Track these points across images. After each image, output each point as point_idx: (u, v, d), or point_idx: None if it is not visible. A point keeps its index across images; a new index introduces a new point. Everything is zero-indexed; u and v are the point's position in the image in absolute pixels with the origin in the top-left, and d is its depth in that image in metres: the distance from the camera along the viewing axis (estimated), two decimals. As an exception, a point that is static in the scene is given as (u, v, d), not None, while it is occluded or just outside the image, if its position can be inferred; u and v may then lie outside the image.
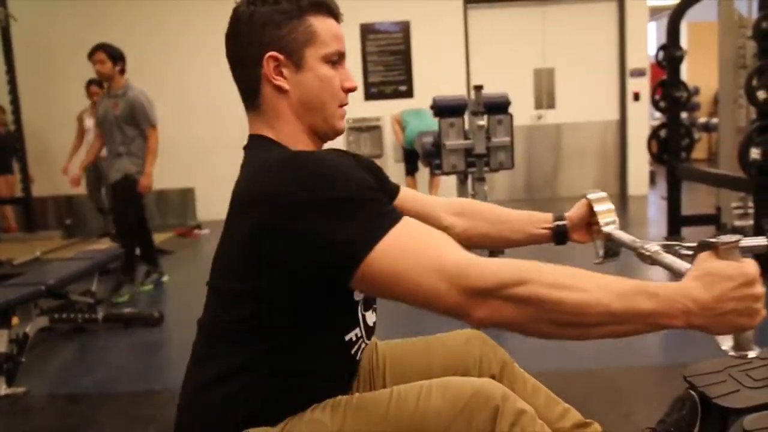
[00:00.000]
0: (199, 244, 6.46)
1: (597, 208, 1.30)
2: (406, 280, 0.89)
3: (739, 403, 1.19)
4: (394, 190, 1.38)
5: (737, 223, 5.06)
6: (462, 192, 4.51)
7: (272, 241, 0.94)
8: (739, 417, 1.18)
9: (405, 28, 7.51)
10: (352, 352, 1.12)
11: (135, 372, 3.10)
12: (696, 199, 6.26)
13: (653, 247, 1.07)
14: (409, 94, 7.54)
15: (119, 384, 2.91)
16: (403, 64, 7.53)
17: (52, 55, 7.32)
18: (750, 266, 0.85)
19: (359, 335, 1.12)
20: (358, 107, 7.51)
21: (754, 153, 3.64)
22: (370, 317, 1.17)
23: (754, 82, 3.65)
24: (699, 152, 9.69)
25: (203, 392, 1.07)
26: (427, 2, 7.43)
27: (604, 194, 1.32)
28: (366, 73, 7.54)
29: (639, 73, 7.66)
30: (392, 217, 0.92)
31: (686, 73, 8.99)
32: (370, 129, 7.53)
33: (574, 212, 1.35)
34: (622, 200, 7.65)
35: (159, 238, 6.17)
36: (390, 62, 7.53)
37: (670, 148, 5.08)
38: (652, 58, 5.89)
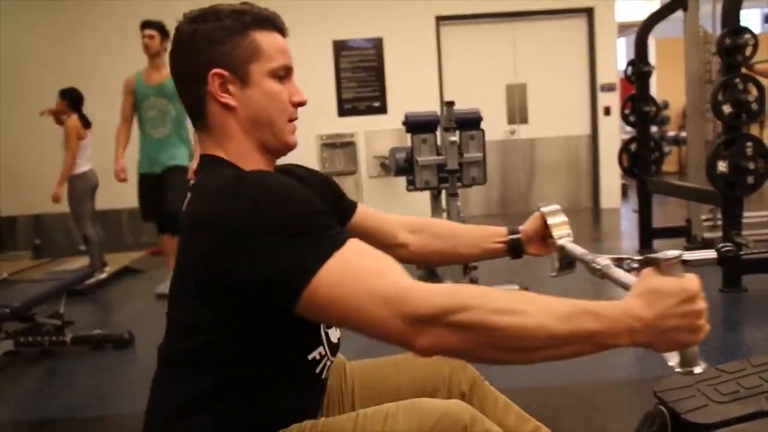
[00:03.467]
0: (172, 262, 6.37)
1: (550, 221, 1.29)
2: (347, 306, 0.86)
3: (707, 418, 1.19)
4: (351, 207, 1.36)
5: (707, 235, 5.13)
6: (436, 208, 4.52)
7: (216, 267, 0.93)
8: (707, 432, 1.18)
9: (378, 44, 7.54)
10: (317, 371, 1.10)
11: (104, 395, 3.03)
12: (667, 212, 6.35)
13: (604, 261, 1.06)
14: (382, 110, 7.56)
15: (87, 408, 2.84)
16: (377, 80, 7.56)
17: (22, 73, 7.22)
18: (691, 282, 0.85)
19: (323, 353, 1.10)
20: (331, 123, 7.51)
21: (721, 166, 3.70)
22: (334, 333, 1.15)
23: (720, 97, 3.71)
24: (670, 165, 9.86)
25: (165, 423, 1.04)
26: (400, 19, 7.47)
27: (557, 207, 1.31)
28: (339, 89, 7.54)
29: (609, 88, 7.77)
30: (336, 240, 0.90)
31: (655, 87, 9.16)
32: (344, 145, 7.52)
33: (528, 225, 1.35)
34: (594, 213, 7.73)
35: (132, 256, 6.10)
36: (363, 78, 7.55)
37: (641, 161, 5.15)
38: (621, 73, 5.98)
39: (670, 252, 0.88)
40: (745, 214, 3.95)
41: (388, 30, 7.52)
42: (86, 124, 5.24)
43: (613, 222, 7.30)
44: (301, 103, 1.13)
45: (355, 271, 0.88)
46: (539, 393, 2.55)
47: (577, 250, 1.20)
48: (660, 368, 2.75)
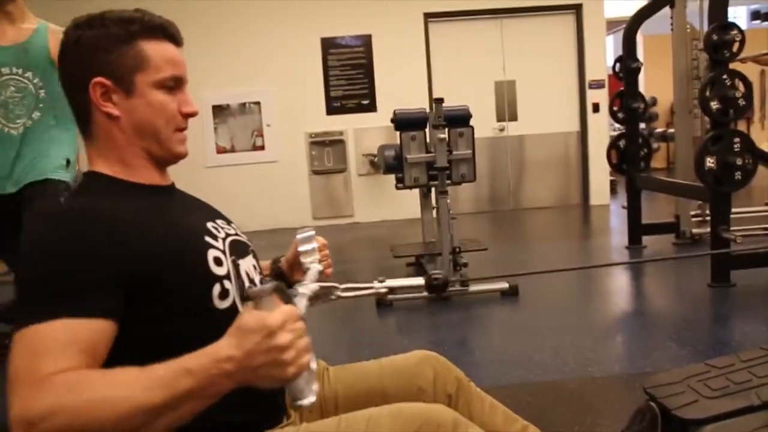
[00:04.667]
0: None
1: (300, 248, 1.28)
2: (9, 379, 0.85)
3: (698, 413, 1.19)
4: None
5: (696, 230, 5.16)
6: (425, 206, 4.51)
7: None
8: (698, 427, 1.18)
9: (366, 41, 7.52)
10: None
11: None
12: (656, 208, 6.37)
13: (302, 289, 1.08)
14: (371, 107, 7.54)
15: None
16: (365, 77, 7.54)
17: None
18: (272, 316, 0.82)
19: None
20: (320, 121, 7.49)
21: (709, 162, 3.71)
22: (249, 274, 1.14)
23: (707, 93, 3.72)
24: (658, 161, 9.90)
25: None
26: (388, 16, 7.46)
27: (311, 233, 1.30)
28: (328, 87, 7.52)
29: (598, 84, 7.79)
30: (47, 312, 0.88)
31: (643, 84, 9.18)
32: (333, 143, 7.51)
33: (288, 253, 1.35)
34: (583, 210, 7.75)
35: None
36: (352, 76, 7.53)
37: (629, 158, 5.16)
38: (610, 70, 6.00)
39: (267, 284, 0.86)
40: (733, 209, 3.96)
41: (376, 27, 7.50)
42: None
43: (602, 218, 7.32)
44: (191, 114, 1.12)
45: (30, 350, 0.86)
46: (529, 390, 2.54)
47: (309, 276, 1.18)
48: (650, 365, 2.74)
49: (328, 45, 7.48)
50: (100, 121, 1.07)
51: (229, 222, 1.22)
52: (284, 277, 1.34)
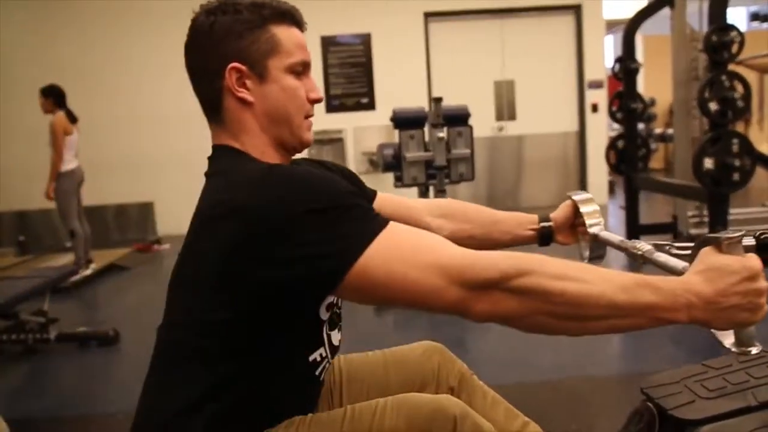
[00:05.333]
0: (159, 259, 6.34)
1: (583, 209, 1.30)
2: (402, 281, 0.87)
3: (694, 414, 1.18)
4: (371, 195, 1.36)
5: (693, 231, 5.16)
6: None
7: (247, 258, 0.89)
8: (695, 428, 1.18)
9: (366, 40, 7.52)
10: (317, 372, 1.08)
11: (88, 394, 3.00)
12: (654, 208, 6.38)
13: (645, 246, 1.07)
14: (371, 106, 7.54)
15: (72, 407, 2.81)
16: (365, 76, 7.54)
17: (7, 70, 7.13)
18: (754, 260, 0.84)
19: (324, 355, 1.09)
20: (319, 120, 7.45)
21: (708, 163, 3.71)
22: (336, 336, 1.14)
23: (706, 94, 3.73)
24: (656, 162, 9.90)
25: (164, 420, 1.01)
26: (388, 15, 7.45)
27: (589, 195, 1.32)
28: (327, 85, 7.51)
29: (597, 85, 7.79)
30: (379, 221, 0.91)
31: (642, 84, 9.20)
32: (332, 141, 7.50)
33: (559, 213, 1.35)
34: (582, 210, 7.75)
35: (117, 253, 6.04)
36: (351, 74, 7.53)
37: (628, 158, 5.17)
38: (609, 71, 6.01)
39: (731, 231, 0.87)
40: (731, 210, 3.97)
41: (376, 26, 7.50)
42: (72, 119, 5.18)
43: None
44: (318, 100, 1.11)
45: (405, 246, 0.89)
46: (527, 389, 2.55)
47: (613, 237, 1.21)
48: (647, 365, 2.74)
49: (328, 43, 7.47)
50: (232, 108, 1.04)
51: None
52: (552, 238, 1.35)
